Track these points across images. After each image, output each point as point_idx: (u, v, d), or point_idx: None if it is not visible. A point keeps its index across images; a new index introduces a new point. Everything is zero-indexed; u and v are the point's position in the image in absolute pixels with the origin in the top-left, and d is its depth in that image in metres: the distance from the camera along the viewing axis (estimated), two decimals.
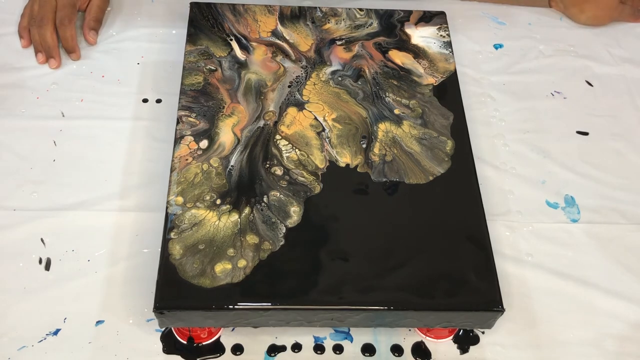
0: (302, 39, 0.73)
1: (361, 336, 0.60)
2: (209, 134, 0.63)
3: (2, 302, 0.59)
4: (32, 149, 0.69)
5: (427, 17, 0.76)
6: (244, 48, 0.71)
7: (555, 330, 0.61)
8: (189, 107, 0.65)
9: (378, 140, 0.64)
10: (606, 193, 0.71)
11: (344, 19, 0.75)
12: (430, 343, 0.60)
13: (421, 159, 0.63)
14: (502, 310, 0.55)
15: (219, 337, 0.59)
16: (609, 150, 0.75)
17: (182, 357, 0.57)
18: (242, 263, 0.55)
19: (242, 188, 0.60)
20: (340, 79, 0.69)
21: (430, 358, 0.59)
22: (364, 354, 0.59)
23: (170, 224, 0.57)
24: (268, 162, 0.62)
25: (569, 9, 0.87)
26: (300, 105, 0.67)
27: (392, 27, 0.75)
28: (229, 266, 0.55)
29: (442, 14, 0.77)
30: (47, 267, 0.61)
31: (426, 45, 0.73)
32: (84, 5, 0.79)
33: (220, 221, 0.57)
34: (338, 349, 0.59)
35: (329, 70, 0.70)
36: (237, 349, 0.58)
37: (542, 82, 0.80)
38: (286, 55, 0.71)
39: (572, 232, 0.68)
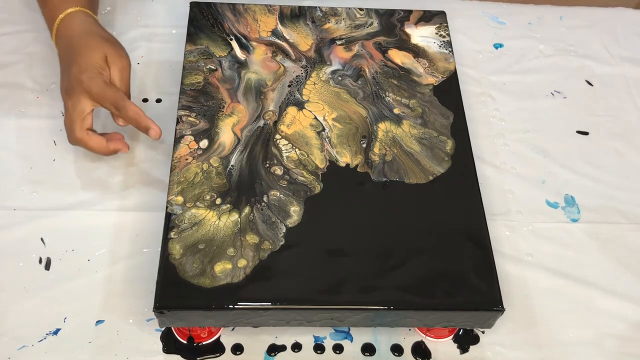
0: (302, 38, 0.73)
1: (361, 336, 0.60)
2: (209, 133, 0.63)
3: (2, 302, 0.59)
4: (32, 149, 0.69)
5: (427, 17, 0.76)
6: (244, 48, 0.71)
7: (555, 330, 0.61)
8: (189, 106, 0.65)
9: (378, 139, 0.64)
10: (606, 193, 0.71)
11: (344, 19, 0.75)
12: (430, 343, 0.60)
13: (421, 159, 0.63)
14: (502, 310, 0.55)
15: (219, 337, 0.59)
16: (609, 150, 0.75)
17: (182, 356, 0.57)
18: (242, 263, 0.55)
19: (242, 188, 0.60)
20: (340, 78, 0.69)
21: (430, 358, 0.59)
22: (364, 354, 0.59)
23: (170, 223, 0.57)
24: (268, 162, 0.62)
25: None
26: (300, 105, 0.66)
27: (392, 27, 0.75)
28: (229, 266, 0.55)
29: (442, 14, 0.77)
30: (47, 267, 0.61)
31: (426, 44, 0.73)
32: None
33: (220, 221, 0.57)
34: (338, 348, 0.59)
35: (329, 69, 0.70)
36: (237, 349, 0.58)
37: (542, 82, 0.80)
38: (286, 54, 0.71)
39: (572, 231, 0.68)
